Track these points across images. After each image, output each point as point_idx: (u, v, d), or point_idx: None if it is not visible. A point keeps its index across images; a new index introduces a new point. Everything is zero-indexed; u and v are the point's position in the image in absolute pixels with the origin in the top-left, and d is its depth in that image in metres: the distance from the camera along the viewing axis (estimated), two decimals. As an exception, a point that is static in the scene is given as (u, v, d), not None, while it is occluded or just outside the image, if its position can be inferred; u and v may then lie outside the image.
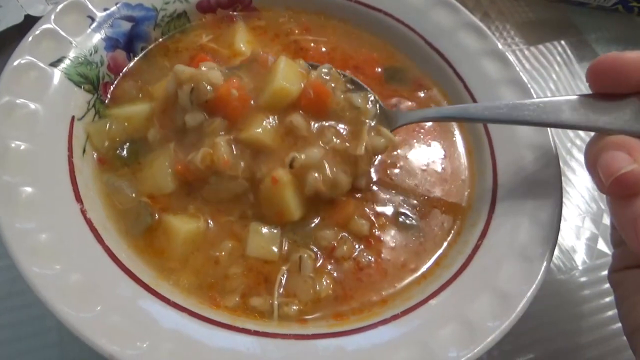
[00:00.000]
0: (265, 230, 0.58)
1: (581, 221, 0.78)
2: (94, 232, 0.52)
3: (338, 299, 0.56)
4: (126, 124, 0.63)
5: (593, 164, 0.51)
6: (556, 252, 0.73)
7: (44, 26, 0.61)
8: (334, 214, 0.61)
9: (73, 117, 0.59)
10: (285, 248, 0.58)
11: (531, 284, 0.53)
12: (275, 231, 0.58)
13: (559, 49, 1.00)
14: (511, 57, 0.72)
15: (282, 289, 0.56)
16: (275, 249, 0.58)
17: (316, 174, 0.58)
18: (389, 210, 0.63)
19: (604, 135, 0.52)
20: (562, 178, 0.61)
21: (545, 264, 0.54)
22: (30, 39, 0.59)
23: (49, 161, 0.55)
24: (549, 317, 0.68)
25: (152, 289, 0.51)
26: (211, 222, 0.59)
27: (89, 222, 0.53)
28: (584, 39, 1.02)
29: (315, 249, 0.59)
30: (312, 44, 0.75)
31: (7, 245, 0.47)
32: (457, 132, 0.72)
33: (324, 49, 0.75)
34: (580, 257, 0.74)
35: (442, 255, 0.61)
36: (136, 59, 0.70)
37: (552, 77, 0.95)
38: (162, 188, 0.59)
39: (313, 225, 0.60)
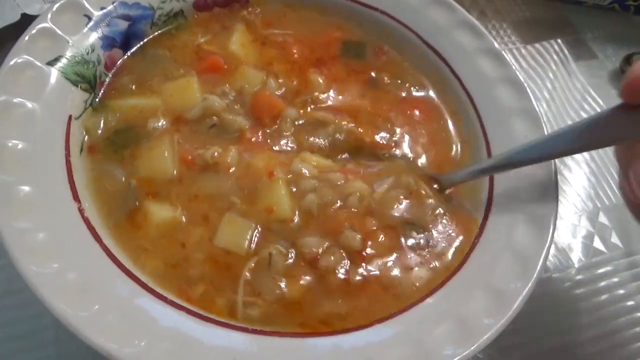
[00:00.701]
0: (240, 221, 0.57)
1: (577, 219, 0.78)
2: (92, 231, 0.52)
3: (306, 305, 0.54)
4: (123, 114, 0.63)
5: (626, 170, 0.52)
6: (552, 250, 0.74)
7: (41, 25, 0.60)
8: (323, 223, 0.59)
9: (70, 116, 0.59)
10: (255, 244, 0.57)
11: (527, 282, 0.53)
12: (251, 225, 0.57)
13: (556, 47, 1.00)
14: (508, 56, 0.72)
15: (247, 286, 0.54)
16: (245, 243, 0.56)
17: (313, 196, 0.59)
18: (388, 222, 0.60)
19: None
20: (559, 176, 0.61)
21: (541, 262, 0.55)
22: (26, 38, 0.59)
23: (47, 160, 0.55)
24: (545, 315, 0.68)
25: (150, 287, 0.51)
26: (188, 209, 0.58)
27: (86, 221, 0.53)
28: (580, 38, 1.02)
29: (293, 254, 0.56)
30: (280, 38, 0.75)
31: (5, 244, 0.47)
32: (452, 128, 0.72)
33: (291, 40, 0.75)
34: (576, 256, 0.75)
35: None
36: (131, 51, 0.69)
37: (549, 75, 0.96)
38: (159, 173, 0.60)
39: (296, 228, 0.58)
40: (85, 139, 0.61)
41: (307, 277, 0.56)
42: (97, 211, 0.56)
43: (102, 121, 0.62)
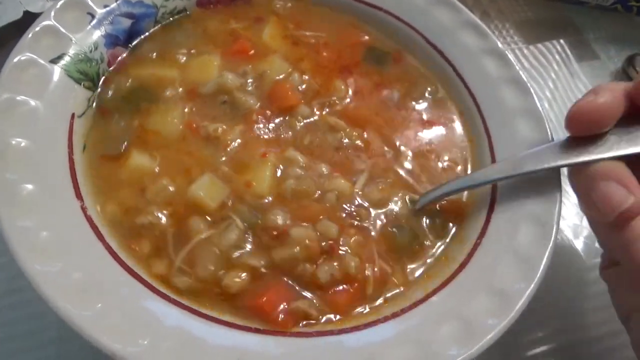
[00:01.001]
0: (218, 183, 0.59)
1: (579, 220, 0.78)
2: (95, 230, 0.52)
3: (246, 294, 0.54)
4: (139, 79, 0.66)
5: (585, 194, 0.53)
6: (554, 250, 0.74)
7: (44, 23, 0.60)
8: (294, 210, 0.59)
9: (73, 114, 0.59)
10: (223, 211, 0.57)
11: (530, 283, 0.53)
12: (227, 190, 0.59)
13: (558, 48, 1.00)
14: (510, 56, 0.72)
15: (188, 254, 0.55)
16: (216, 201, 0.58)
17: (292, 182, 0.60)
18: (368, 219, 0.61)
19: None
20: (561, 177, 0.61)
21: (544, 262, 0.55)
22: (30, 35, 0.59)
23: (50, 158, 0.54)
24: (548, 315, 0.68)
25: (154, 287, 0.51)
26: (172, 160, 0.60)
27: (89, 220, 0.53)
28: (583, 39, 1.02)
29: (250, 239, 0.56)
30: (312, 40, 0.76)
31: (8, 242, 0.47)
32: (458, 124, 0.72)
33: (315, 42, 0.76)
34: (578, 256, 0.75)
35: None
36: (162, 24, 0.72)
37: (552, 76, 0.96)
38: (165, 130, 0.62)
39: (267, 205, 0.59)
40: (95, 104, 0.63)
41: (259, 263, 0.55)
42: (83, 144, 0.59)
43: (113, 85, 0.65)
